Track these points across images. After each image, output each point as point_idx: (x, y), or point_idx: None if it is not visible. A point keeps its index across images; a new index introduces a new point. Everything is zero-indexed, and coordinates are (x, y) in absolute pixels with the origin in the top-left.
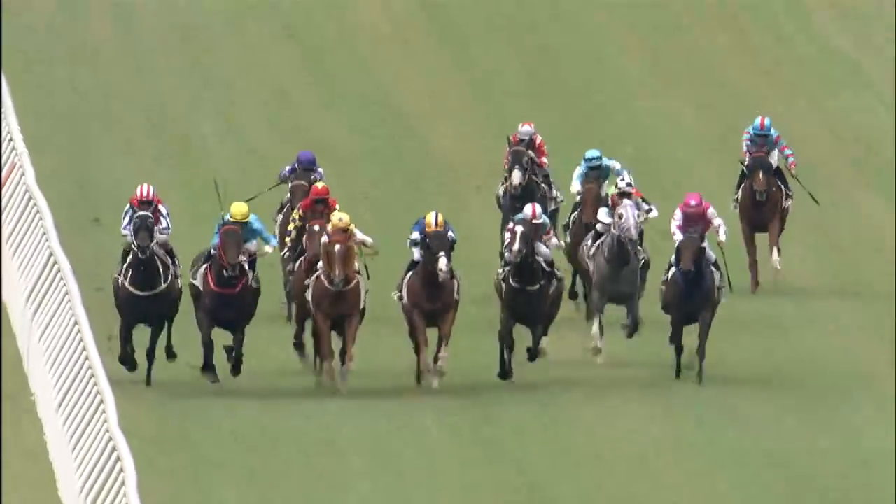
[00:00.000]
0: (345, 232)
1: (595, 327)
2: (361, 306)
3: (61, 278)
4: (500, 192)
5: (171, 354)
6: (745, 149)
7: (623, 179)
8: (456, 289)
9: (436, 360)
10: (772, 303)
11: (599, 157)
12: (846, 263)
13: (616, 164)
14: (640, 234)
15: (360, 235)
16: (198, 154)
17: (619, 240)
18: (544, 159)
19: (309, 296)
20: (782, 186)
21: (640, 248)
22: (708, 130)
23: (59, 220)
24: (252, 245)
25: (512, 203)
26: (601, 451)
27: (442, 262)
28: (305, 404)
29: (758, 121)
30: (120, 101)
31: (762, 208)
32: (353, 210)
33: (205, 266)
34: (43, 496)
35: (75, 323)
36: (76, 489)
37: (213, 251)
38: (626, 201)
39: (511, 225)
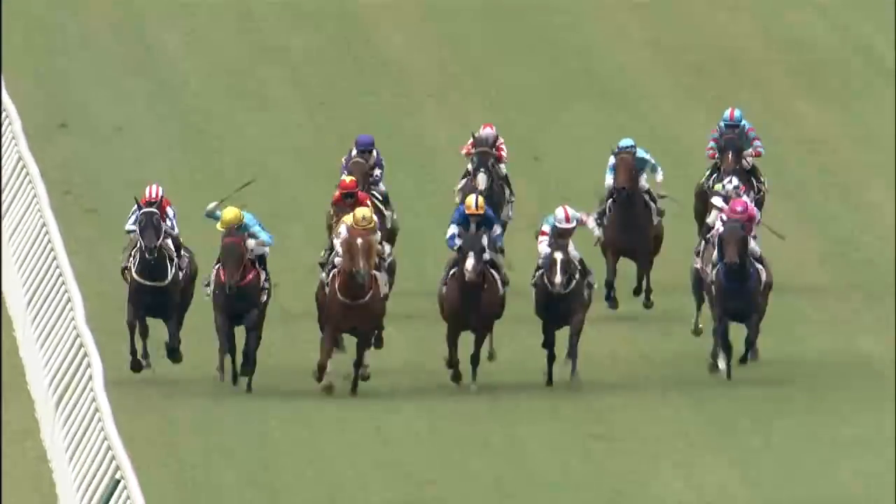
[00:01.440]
0: (367, 228)
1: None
2: (379, 321)
3: (30, 182)
4: (459, 186)
5: (175, 353)
6: (711, 144)
7: (731, 182)
8: (499, 292)
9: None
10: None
11: (633, 146)
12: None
13: (650, 158)
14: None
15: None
16: (163, 64)
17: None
18: (502, 153)
19: (323, 296)
20: (754, 181)
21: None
22: (655, 40)
23: (27, 125)
24: (252, 242)
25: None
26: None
27: (469, 264)
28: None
29: (727, 112)
30: (88, 8)
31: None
32: (309, 115)
33: (216, 267)
34: (13, 392)
35: (43, 225)
36: (45, 385)
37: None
38: (743, 199)
39: (546, 240)
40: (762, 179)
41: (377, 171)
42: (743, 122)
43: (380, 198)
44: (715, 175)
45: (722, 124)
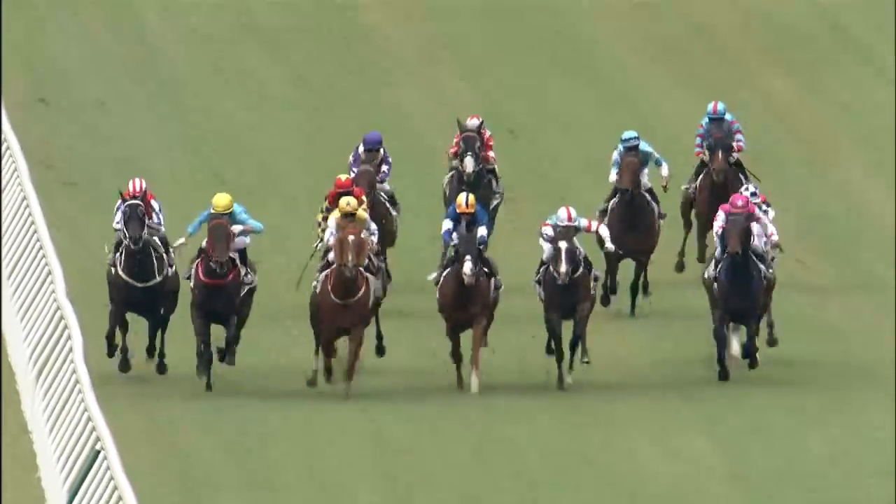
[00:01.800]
0: (353, 217)
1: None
2: (370, 317)
3: (11, 156)
4: (446, 179)
5: (161, 367)
6: (699, 141)
7: (747, 189)
8: (492, 288)
9: (473, 363)
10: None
11: (637, 138)
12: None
13: (653, 151)
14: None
15: (366, 217)
16: (145, 37)
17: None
18: (491, 154)
19: (314, 301)
20: (741, 177)
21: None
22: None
23: (6, 101)
24: (241, 240)
25: (458, 192)
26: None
27: (467, 267)
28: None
29: (710, 106)
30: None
31: (720, 194)
32: (287, 89)
33: (196, 261)
34: None
35: (24, 199)
36: (25, 357)
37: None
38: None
39: (549, 233)
40: (749, 173)
41: (384, 168)
42: (727, 115)
43: (386, 198)
44: (703, 174)
45: (706, 119)
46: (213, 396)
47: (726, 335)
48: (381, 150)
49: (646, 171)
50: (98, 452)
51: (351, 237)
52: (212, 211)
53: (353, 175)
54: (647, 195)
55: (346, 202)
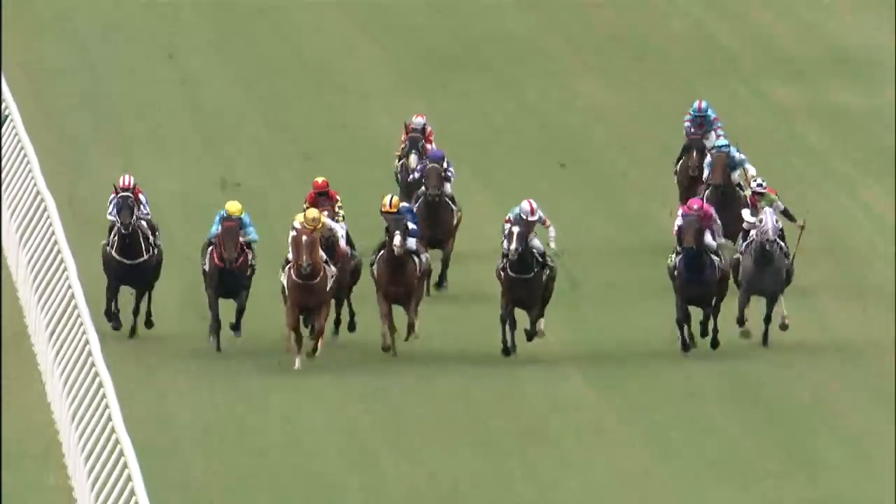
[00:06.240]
0: (312, 226)
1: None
2: (330, 297)
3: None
4: (397, 167)
5: (149, 323)
6: (686, 132)
7: (755, 181)
8: (417, 268)
9: (406, 337)
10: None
11: (727, 145)
12: None
13: (743, 156)
14: (781, 231)
15: (329, 223)
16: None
17: (762, 244)
18: (429, 146)
19: (283, 284)
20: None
21: (783, 243)
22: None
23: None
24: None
25: (404, 185)
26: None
27: (396, 240)
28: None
29: (696, 104)
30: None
31: (694, 185)
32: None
33: (210, 248)
34: None
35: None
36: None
37: (213, 239)
38: (766, 209)
39: (509, 216)
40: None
41: (448, 173)
42: (709, 111)
43: (449, 198)
44: (683, 158)
45: (692, 114)
46: (207, 359)
47: (689, 316)
48: (445, 163)
49: (736, 173)
50: (8, 116)
51: (304, 238)
52: (224, 215)
53: (417, 175)
54: (736, 188)
55: (312, 217)
